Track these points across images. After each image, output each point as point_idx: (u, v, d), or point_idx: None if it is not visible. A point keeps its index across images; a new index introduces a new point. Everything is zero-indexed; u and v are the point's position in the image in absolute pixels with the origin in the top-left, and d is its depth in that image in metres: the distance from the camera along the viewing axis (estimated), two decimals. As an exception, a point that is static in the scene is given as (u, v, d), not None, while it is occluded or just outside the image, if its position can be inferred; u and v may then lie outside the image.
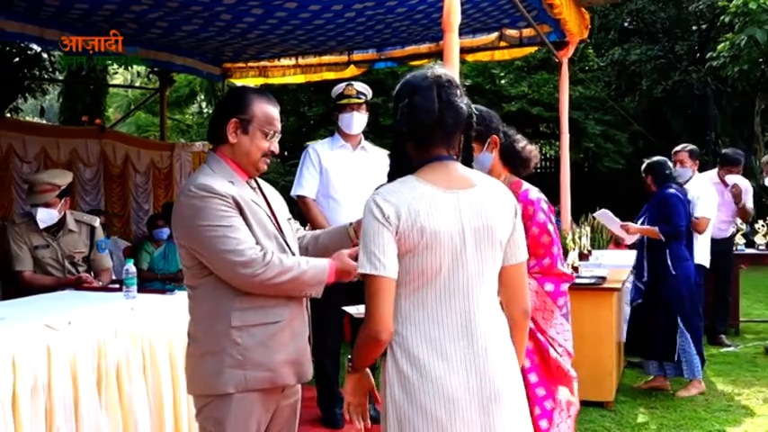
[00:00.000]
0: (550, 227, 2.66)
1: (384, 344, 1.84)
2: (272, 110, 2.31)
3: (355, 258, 2.15)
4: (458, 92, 1.90)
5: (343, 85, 4.15)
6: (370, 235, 1.80)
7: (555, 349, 2.63)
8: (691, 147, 5.99)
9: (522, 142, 2.81)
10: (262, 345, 2.19)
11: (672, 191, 5.01)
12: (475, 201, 1.86)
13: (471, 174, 1.92)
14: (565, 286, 2.71)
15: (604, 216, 5.30)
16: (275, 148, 2.33)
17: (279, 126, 2.34)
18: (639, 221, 5.22)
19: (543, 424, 2.56)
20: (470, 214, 1.84)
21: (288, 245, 2.31)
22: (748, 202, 6.59)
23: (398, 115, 1.90)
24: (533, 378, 2.60)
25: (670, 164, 5.27)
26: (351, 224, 2.45)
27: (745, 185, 6.63)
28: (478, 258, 1.85)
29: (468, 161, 1.96)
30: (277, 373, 2.22)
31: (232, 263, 2.11)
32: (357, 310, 2.25)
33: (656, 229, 4.94)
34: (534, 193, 2.70)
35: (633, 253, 5.41)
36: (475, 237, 1.84)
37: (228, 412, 2.17)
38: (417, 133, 1.88)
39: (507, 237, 1.92)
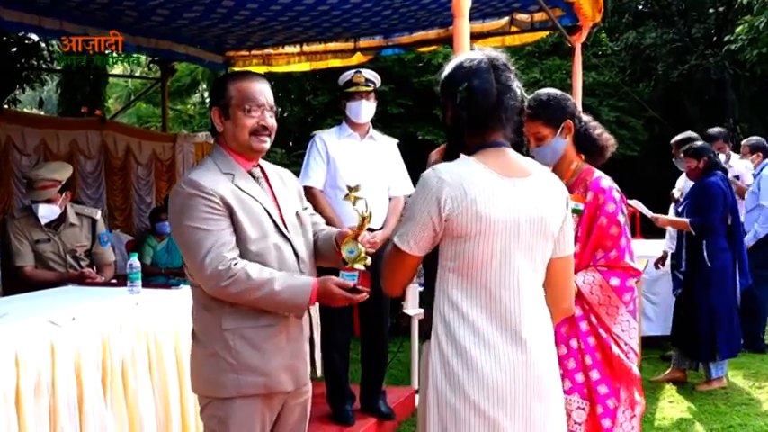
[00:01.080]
0: (621, 218, 2.53)
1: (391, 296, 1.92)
2: (248, 85, 2.19)
3: (343, 288, 2.10)
4: (512, 75, 1.87)
5: (351, 72, 4.04)
6: (415, 215, 1.78)
7: (620, 347, 2.50)
8: (690, 134, 5.89)
9: (598, 129, 2.71)
10: (255, 349, 2.12)
11: (715, 179, 4.87)
12: (530, 190, 1.82)
13: (525, 161, 1.89)
14: (631, 281, 2.55)
15: (637, 205, 5.17)
16: (267, 122, 2.20)
17: (264, 100, 2.20)
18: (680, 207, 5.09)
19: (606, 423, 2.46)
20: (526, 203, 1.80)
21: (290, 241, 2.21)
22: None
23: (457, 100, 1.84)
24: (595, 375, 2.49)
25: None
26: (336, 235, 2.31)
27: (739, 169, 6.41)
28: (531, 249, 1.82)
29: (519, 146, 1.91)
30: (272, 379, 2.15)
31: (199, 271, 2.08)
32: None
33: (688, 221, 4.83)
34: (606, 181, 2.59)
35: (652, 243, 5.32)
36: (529, 227, 1.80)
37: (232, 412, 2.13)
38: (476, 118, 1.83)
39: (559, 229, 1.88)
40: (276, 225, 2.19)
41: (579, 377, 2.49)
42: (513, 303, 1.78)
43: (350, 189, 2.18)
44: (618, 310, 2.51)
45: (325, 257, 2.34)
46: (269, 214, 2.18)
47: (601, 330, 2.49)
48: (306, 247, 2.29)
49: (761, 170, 6.07)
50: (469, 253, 1.76)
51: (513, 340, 1.78)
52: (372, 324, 4.05)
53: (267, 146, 2.23)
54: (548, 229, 1.83)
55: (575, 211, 2.50)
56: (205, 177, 2.11)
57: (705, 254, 4.80)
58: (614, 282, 2.50)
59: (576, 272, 2.49)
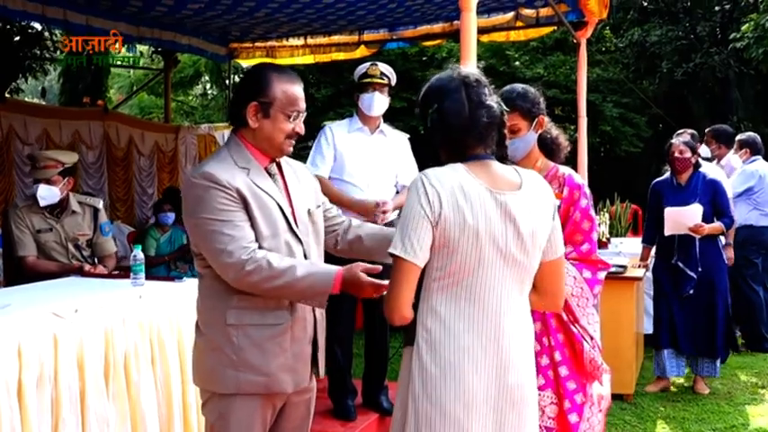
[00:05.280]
0: (593, 213, 2.62)
1: (396, 325, 1.85)
2: (294, 89, 2.16)
3: (370, 275, 2.02)
4: (487, 90, 1.88)
5: (367, 64, 3.99)
6: (411, 218, 1.76)
7: (588, 341, 2.55)
8: (692, 131, 5.85)
9: (555, 131, 2.78)
10: (257, 347, 2.10)
11: (715, 177, 4.84)
12: (521, 205, 1.82)
13: (512, 173, 1.88)
14: (602, 274, 2.63)
15: (694, 212, 4.72)
16: (300, 128, 2.19)
17: (303, 105, 2.19)
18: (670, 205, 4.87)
19: (573, 418, 2.52)
20: (516, 219, 1.80)
21: (301, 240, 2.18)
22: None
23: (429, 122, 1.87)
24: (564, 371, 2.55)
25: None
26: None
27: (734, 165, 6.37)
28: (518, 263, 1.82)
29: (503, 159, 1.92)
30: (272, 379, 2.13)
31: (220, 263, 2.04)
32: None
33: (720, 224, 4.73)
34: (578, 177, 2.66)
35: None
36: (517, 241, 1.80)
37: (232, 408, 2.13)
38: (450, 137, 1.85)
39: (547, 238, 1.88)
40: (288, 223, 2.16)
41: (551, 374, 2.54)
42: (496, 315, 1.80)
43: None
44: (588, 302, 2.58)
45: (379, 249, 2.26)
46: (282, 212, 2.15)
47: (571, 326, 2.54)
48: (317, 247, 2.26)
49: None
50: (456, 262, 1.76)
51: (492, 348, 1.79)
52: (375, 319, 4.02)
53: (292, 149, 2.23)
54: (536, 242, 1.84)
55: None
56: (220, 170, 2.08)
57: (722, 251, 4.81)
58: (586, 274, 2.58)
59: None
